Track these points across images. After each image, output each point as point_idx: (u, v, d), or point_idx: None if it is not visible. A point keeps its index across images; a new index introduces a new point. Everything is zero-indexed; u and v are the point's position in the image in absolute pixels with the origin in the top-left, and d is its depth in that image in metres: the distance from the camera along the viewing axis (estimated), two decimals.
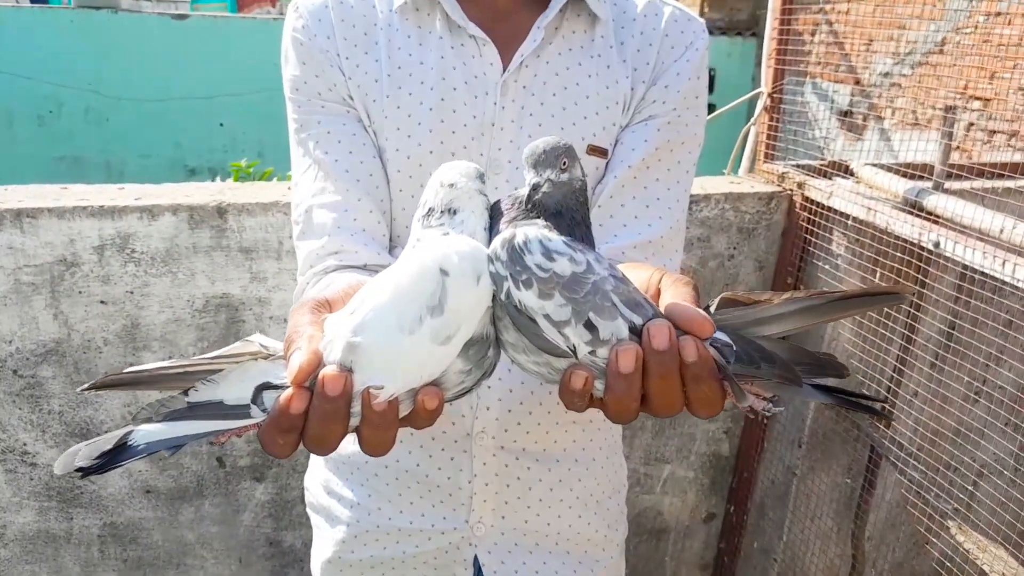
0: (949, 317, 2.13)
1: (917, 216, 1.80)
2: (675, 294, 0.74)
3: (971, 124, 4.58)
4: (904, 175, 2.13)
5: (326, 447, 0.71)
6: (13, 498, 1.95)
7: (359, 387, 0.67)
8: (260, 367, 0.72)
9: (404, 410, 0.71)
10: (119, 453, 0.68)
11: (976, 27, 4.06)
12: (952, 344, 2.13)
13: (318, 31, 1.10)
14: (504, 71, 1.09)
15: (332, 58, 1.10)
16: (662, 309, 0.74)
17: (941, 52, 4.35)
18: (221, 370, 0.70)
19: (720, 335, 0.71)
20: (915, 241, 1.75)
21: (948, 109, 1.95)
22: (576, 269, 0.68)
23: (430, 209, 0.76)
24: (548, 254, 0.68)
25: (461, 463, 1.18)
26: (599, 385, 0.71)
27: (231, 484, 2.06)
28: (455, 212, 0.74)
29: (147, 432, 0.69)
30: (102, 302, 1.85)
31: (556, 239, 0.69)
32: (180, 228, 1.84)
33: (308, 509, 1.32)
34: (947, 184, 2.01)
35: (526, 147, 0.74)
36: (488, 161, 1.10)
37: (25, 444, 1.91)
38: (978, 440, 2.04)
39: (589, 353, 0.69)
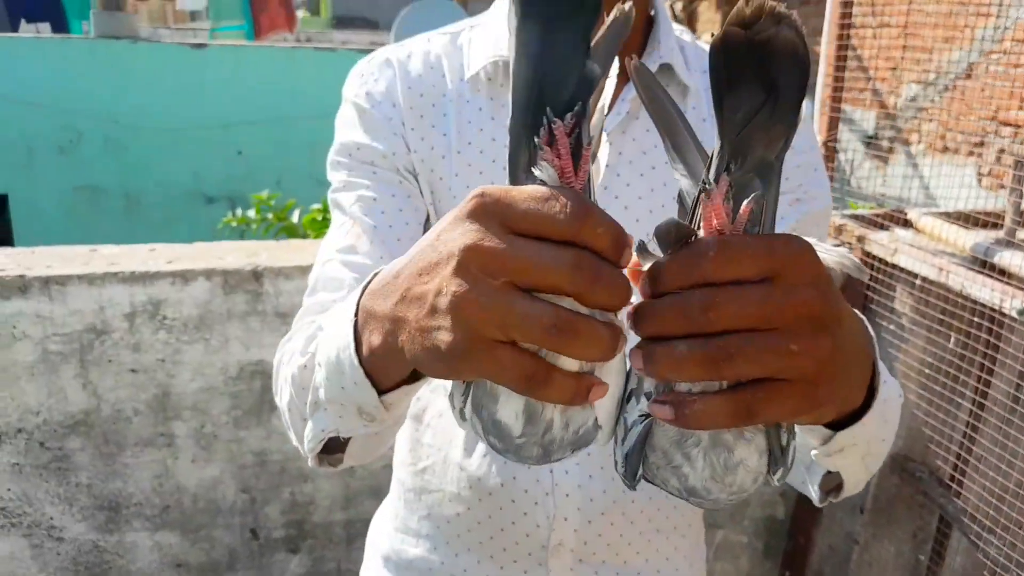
0: (1016, 380, 2.02)
1: (995, 279, 1.69)
2: None
3: (1002, 150, 4.48)
4: (965, 220, 2.03)
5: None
6: (39, 574, 1.85)
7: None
8: None
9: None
10: None
11: (1006, 52, 3.97)
12: (1019, 407, 2.02)
13: (383, 98, 1.00)
14: None
15: (396, 126, 1.00)
16: None
17: (969, 78, 4.25)
18: None
19: None
20: (995, 307, 1.64)
21: (1018, 165, 1.84)
22: None
23: None
24: None
25: None
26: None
27: (265, 557, 1.96)
28: None
29: None
30: (132, 371, 1.76)
31: None
32: (214, 293, 1.75)
33: None
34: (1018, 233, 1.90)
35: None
36: None
37: (52, 518, 1.82)
38: None
39: None
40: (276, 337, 1.80)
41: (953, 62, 4.00)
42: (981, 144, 4.30)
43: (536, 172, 0.50)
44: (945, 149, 4.56)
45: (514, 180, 0.53)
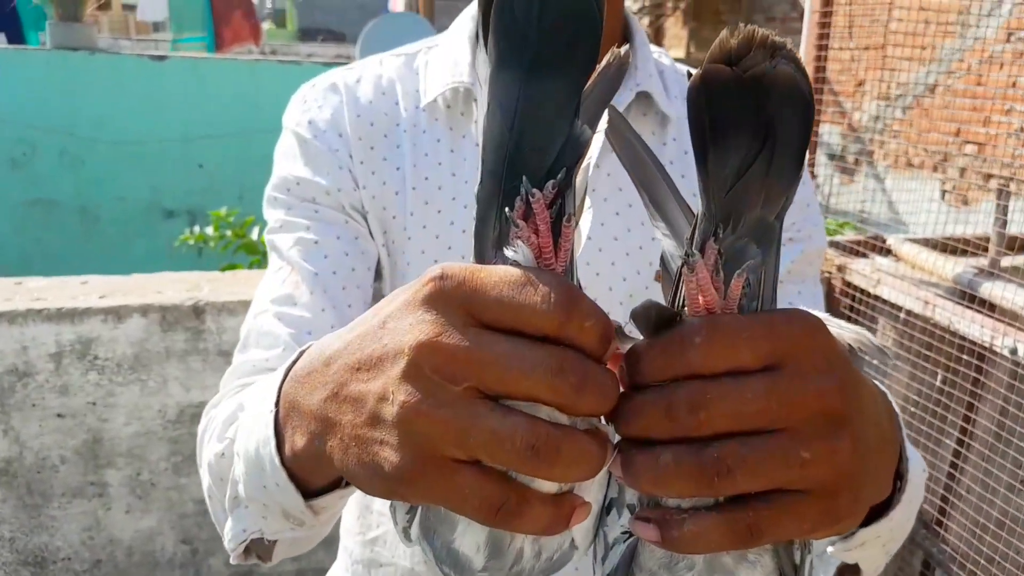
0: (996, 415, 1.94)
1: (984, 314, 1.61)
2: None
3: (963, 169, 4.49)
4: (949, 249, 1.96)
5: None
6: None
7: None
8: None
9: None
10: None
11: (969, 70, 3.97)
12: (1000, 445, 1.94)
13: (328, 127, 0.88)
14: None
15: (343, 159, 0.88)
16: None
17: (932, 95, 4.25)
18: None
19: None
20: (985, 345, 1.56)
21: (1000, 194, 1.77)
22: None
23: None
24: None
25: None
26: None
27: None
28: None
29: None
30: (59, 415, 1.61)
31: None
32: (151, 331, 1.61)
33: None
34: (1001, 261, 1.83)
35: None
36: None
37: None
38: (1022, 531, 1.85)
39: None
40: (219, 377, 1.66)
41: (917, 83, 3.99)
42: (945, 160, 4.30)
43: (508, 252, 0.40)
44: (910, 165, 4.56)
45: (480, 258, 0.43)
